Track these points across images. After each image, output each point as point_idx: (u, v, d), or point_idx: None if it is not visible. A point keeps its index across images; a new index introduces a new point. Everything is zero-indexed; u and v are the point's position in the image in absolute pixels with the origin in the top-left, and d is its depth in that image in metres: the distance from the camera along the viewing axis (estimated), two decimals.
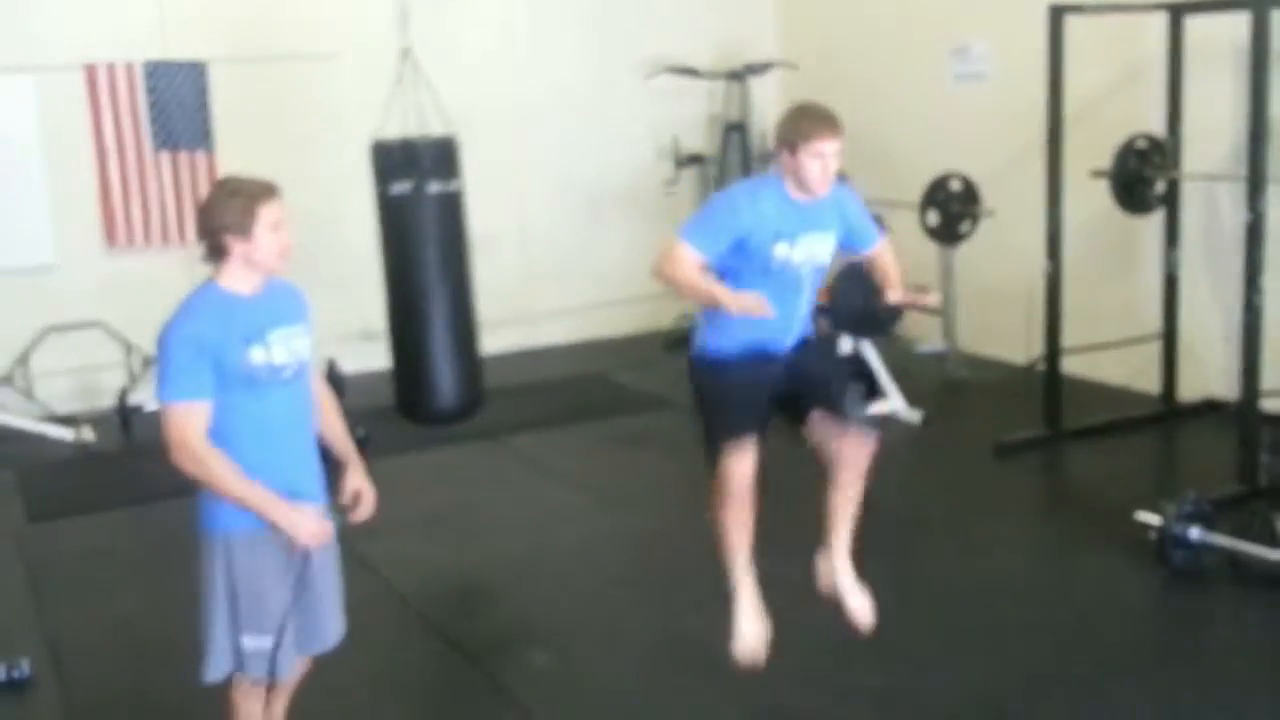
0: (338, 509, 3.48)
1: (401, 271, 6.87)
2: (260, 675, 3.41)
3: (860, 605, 4.23)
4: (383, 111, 6.88)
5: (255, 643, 3.34)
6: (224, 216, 3.25)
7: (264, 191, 3.29)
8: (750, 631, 4.11)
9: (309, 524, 3.28)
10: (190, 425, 3.17)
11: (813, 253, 3.96)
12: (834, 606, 4.29)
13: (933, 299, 4.34)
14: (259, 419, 3.27)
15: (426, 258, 6.92)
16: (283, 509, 3.24)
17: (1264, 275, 5.76)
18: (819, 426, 4.09)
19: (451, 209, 7.07)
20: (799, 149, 3.83)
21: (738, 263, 3.93)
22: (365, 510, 3.55)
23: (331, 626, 3.57)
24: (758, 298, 3.78)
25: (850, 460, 4.08)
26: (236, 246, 3.25)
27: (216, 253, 3.29)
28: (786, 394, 4.04)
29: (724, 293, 3.79)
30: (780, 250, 3.88)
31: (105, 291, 8.39)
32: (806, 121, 3.86)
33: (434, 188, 6.97)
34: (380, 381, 7.27)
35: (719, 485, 4.00)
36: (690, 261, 3.89)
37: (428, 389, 6.82)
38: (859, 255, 4.22)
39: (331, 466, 3.56)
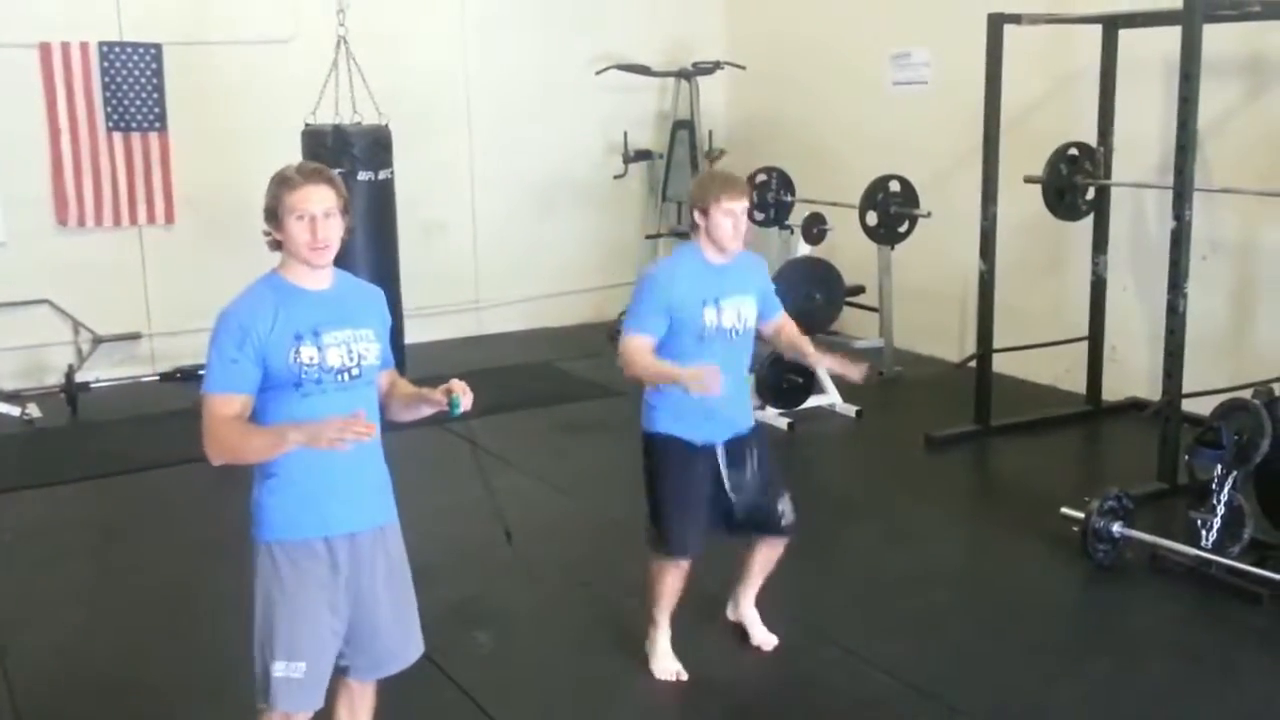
0: (452, 400, 3.16)
1: None
2: (288, 709, 3.16)
3: (766, 639, 4.63)
4: (317, 98, 6.92)
5: (286, 670, 3.10)
6: (267, 204, 3.09)
7: (300, 177, 3.08)
8: (663, 656, 4.45)
9: (332, 423, 2.92)
10: (222, 416, 3.00)
11: (740, 314, 4.21)
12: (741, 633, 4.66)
13: (858, 372, 4.40)
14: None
15: (354, 245, 6.89)
16: (297, 429, 2.95)
17: (1187, 281, 5.87)
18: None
19: (382, 197, 7.07)
20: (711, 209, 4.12)
21: (674, 336, 4.16)
22: (465, 395, 3.17)
23: (399, 647, 3.34)
24: (708, 368, 4.00)
25: (772, 553, 4.54)
26: (276, 235, 3.10)
27: (270, 241, 3.13)
28: (726, 515, 4.34)
29: (677, 370, 4.04)
30: (709, 315, 4.13)
31: (54, 270, 8.37)
32: (717, 185, 4.17)
33: (364, 175, 6.97)
34: None
35: (657, 573, 4.38)
36: (645, 349, 4.16)
37: None
38: (765, 324, 4.40)
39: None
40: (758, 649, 4.60)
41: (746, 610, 4.66)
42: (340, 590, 3.15)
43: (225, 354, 3.00)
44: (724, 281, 4.17)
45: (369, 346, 3.15)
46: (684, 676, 4.40)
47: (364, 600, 3.20)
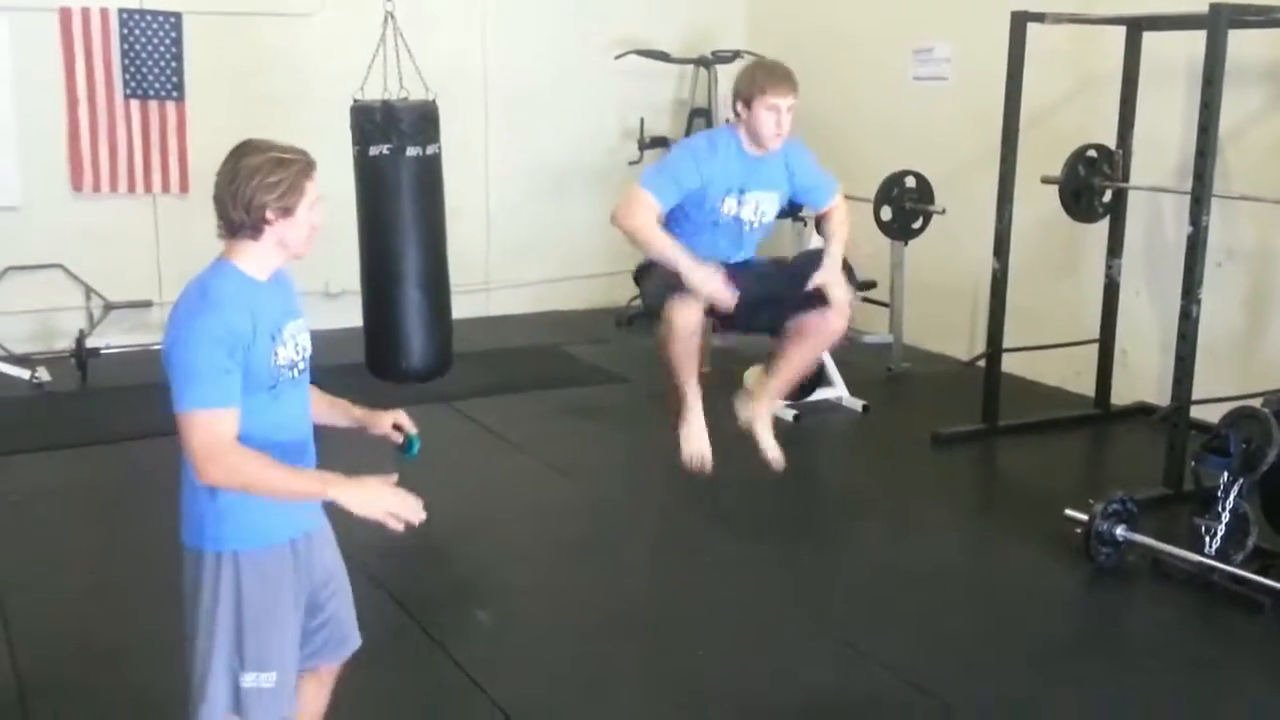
0: (409, 440, 3.18)
1: (376, 232, 6.88)
2: (261, 718, 2.93)
3: (776, 456, 4.36)
4: (363, 73, 6.91)
5: (256, 681, 2.88)
6: (270, 189, 2.71)
7: (309, 163, 2.80)
8: (697, 431, 4.21)
9: (384, 493, 2.84)
10: (220, 435, 2.69)
11: (759, 209, 4.09)
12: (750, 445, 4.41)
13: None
14: (271, 426, 2.82)
15: (403, 220, 6.93)
16: (351, 487, 2.79)
17: (1201, 287, 5.85)
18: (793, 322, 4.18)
19: (431, 172, 7.08)
20: (755, 102, 3.99)
21: (687, 212, 4.04)
22: (412, 426, 3.18)
23: (349, 634, 3.22)
24: (718, 279, 3.88)
25: (820, 336, 4.22)
26: (275, 224, 2.74)
27: (246, 229, 2.75)
28: (760, 300, 4.08)
29: (684, 261, 3.87)
30: (728, 205, 4.02)
31: (68, 235, 8.38)
32: (764, 76, 4.02)
33: (413, 150, 6.97)
34: (346, 339, 7.12)
35: (667, 330, 4.07)
36: (650, 211, 3.97)
37: (398, 348, 6.80)
38: (815, 212, 4.25)
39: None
40: (765, 463, 4.34)
41: (761, 412, 4.35)
42: (302, 591, 3.00)
43: (218, 364, 2.67)
44: (755, 174, 4.02)
45: (306, 336, 2.95)
46: (709, 467, 4.15)
47: (319, 594, 3.07)
